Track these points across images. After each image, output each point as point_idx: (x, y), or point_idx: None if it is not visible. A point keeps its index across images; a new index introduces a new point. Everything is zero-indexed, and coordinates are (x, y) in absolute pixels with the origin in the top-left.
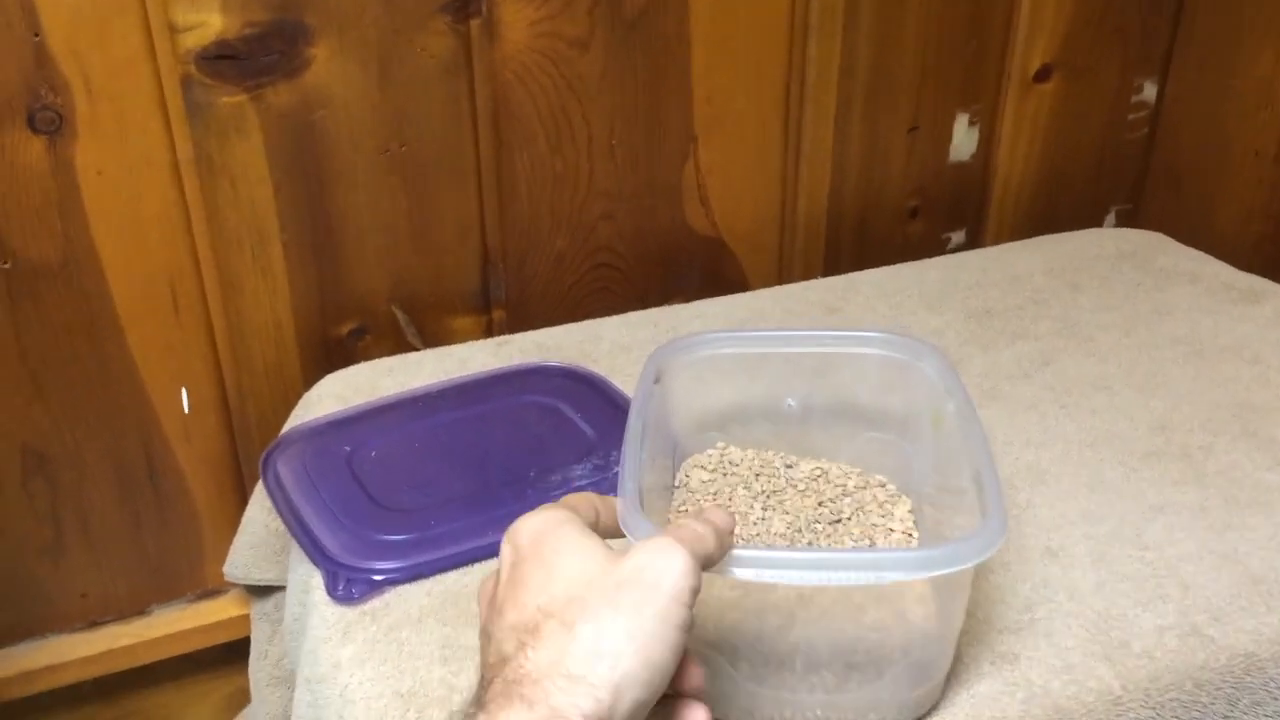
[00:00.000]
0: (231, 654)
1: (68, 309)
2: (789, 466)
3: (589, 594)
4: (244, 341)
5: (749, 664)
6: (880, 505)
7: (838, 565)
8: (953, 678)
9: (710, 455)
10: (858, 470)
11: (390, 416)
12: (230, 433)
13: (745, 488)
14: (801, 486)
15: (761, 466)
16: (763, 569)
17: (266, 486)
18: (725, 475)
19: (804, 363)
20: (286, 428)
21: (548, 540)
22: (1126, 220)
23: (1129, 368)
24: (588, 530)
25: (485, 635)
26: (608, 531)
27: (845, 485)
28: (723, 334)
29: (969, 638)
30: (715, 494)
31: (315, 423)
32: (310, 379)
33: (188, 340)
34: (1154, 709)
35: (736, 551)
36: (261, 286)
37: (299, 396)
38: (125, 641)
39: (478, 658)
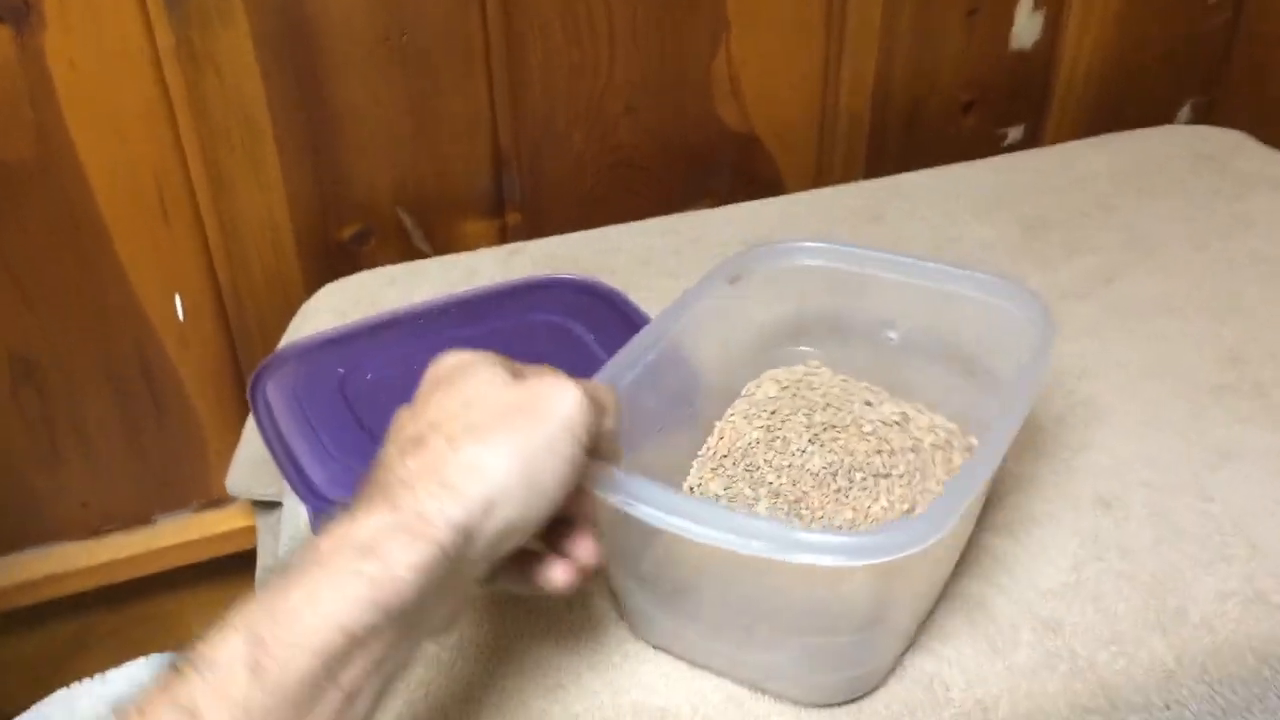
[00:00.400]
0: (240, 563)
1: (47, 209)
2: (868, 404)
3: (479, 414)
4: (239, 244)
5: (659, 593)
6: (951, 470)
7: (702, 519)
8: (988, 644)
9: (794, 371)
10: (950, 426)
11: (388, 335)
12: (230, 339)
13: (806, 415)
14: (869, 429)
15: (839, 397)
16: (629, 500)
17: (254, 411)
18: (794, 396)
19: (907, 294)
20: (281, 345)
21: (464, 369)
22: (1202, 116)
23: (1201, 287)
24: (506, 366)
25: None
26: (608, 436)
27: (921, 440)
28: (820, 244)
29: (1008, 598)
30: (773, 413)
31: (308, 341)
32: (312, 285)
33: (178, 243)
34: (1210, 685)
35: (622, 475)
36: (254, 186)
37: (301, 302)
38: (129, 551)
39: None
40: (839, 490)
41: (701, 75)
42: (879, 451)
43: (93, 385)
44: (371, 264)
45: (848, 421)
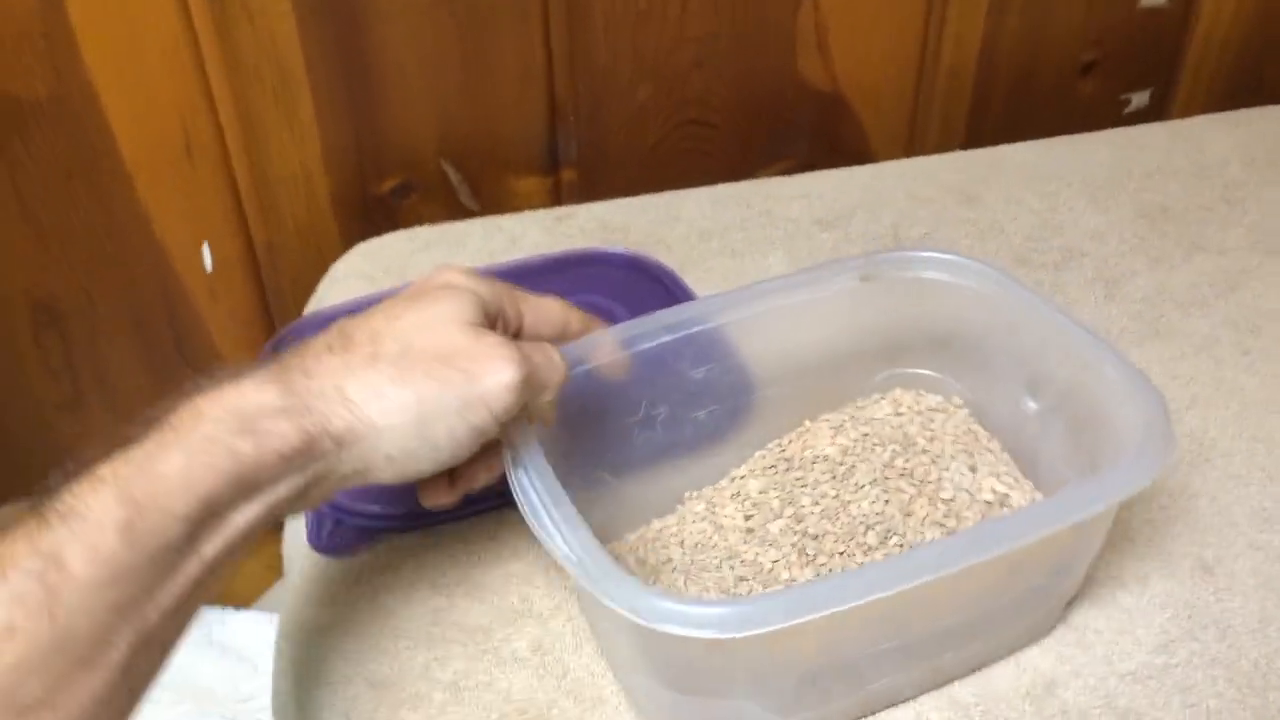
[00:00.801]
0: None
1: (65, 151)
2: (972, 469)
3: (416, 346)
4: (270, 194)
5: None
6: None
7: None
8: None
9: (926, 398)
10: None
11: None
12: (261, 292)
13: (898, 448)
14: (947, 494)
15: (950, 444)
16: (518, 486)
17: None
18: (904, 425)
19: (1052, 350)
20: (307, 311)
21: (440, 294)
22: None
23: None
24: (481, 308)
25: None
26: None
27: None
28: (969, 261)
29: (1081, 680)
30: (865, 435)
31: (331, 311)
32: (350, 239)
33: (205, 190)
34: None
35: (530, 464)
36: (287, 133)
37: (337, 258)
38: None
39: (465, 642)
40: (862, 546)
41: (784, 26)
42: (939, 525)
43: (116, 332)
44: (414, 220)
45: (932, 476)
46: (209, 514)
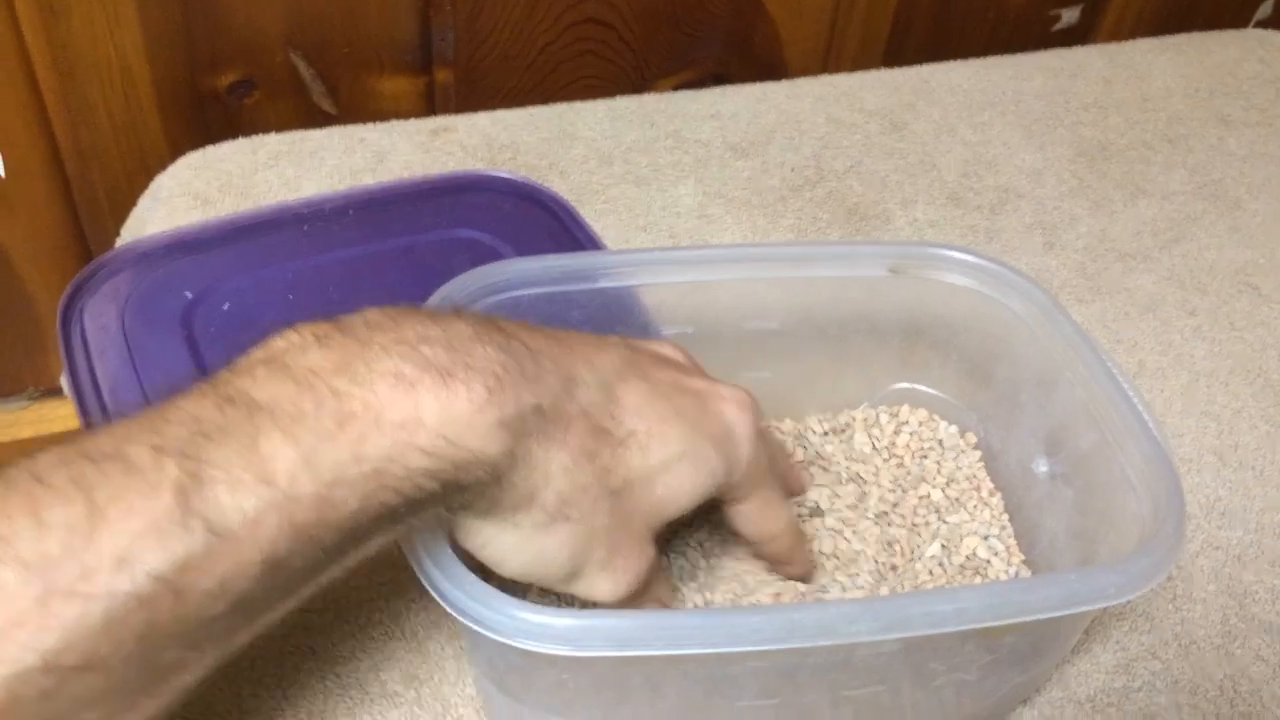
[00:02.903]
0: None
1: None
2: (979, 538)
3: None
4: (77, 86)
5: None
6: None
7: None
8: None
9: (934, 425)
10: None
11: (258, 244)
12: (70, 204)
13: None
14: (931, 551)
15: (947, 496)
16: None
17: (65, 348)
18: (905, 458)
19: (1075, 404)
20: (125, 235)
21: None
22: None
23: None
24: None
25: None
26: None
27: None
28: (995, 266)
29: (1033, 709)
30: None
31: (151, 243)
32: (179, 144)
33: None
34: None
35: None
36: (96, 10)
37: (164, 165)
38: None
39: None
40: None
41: None
42: (882, 574)
43: None
44: (257, 124)
45: (916, 521)
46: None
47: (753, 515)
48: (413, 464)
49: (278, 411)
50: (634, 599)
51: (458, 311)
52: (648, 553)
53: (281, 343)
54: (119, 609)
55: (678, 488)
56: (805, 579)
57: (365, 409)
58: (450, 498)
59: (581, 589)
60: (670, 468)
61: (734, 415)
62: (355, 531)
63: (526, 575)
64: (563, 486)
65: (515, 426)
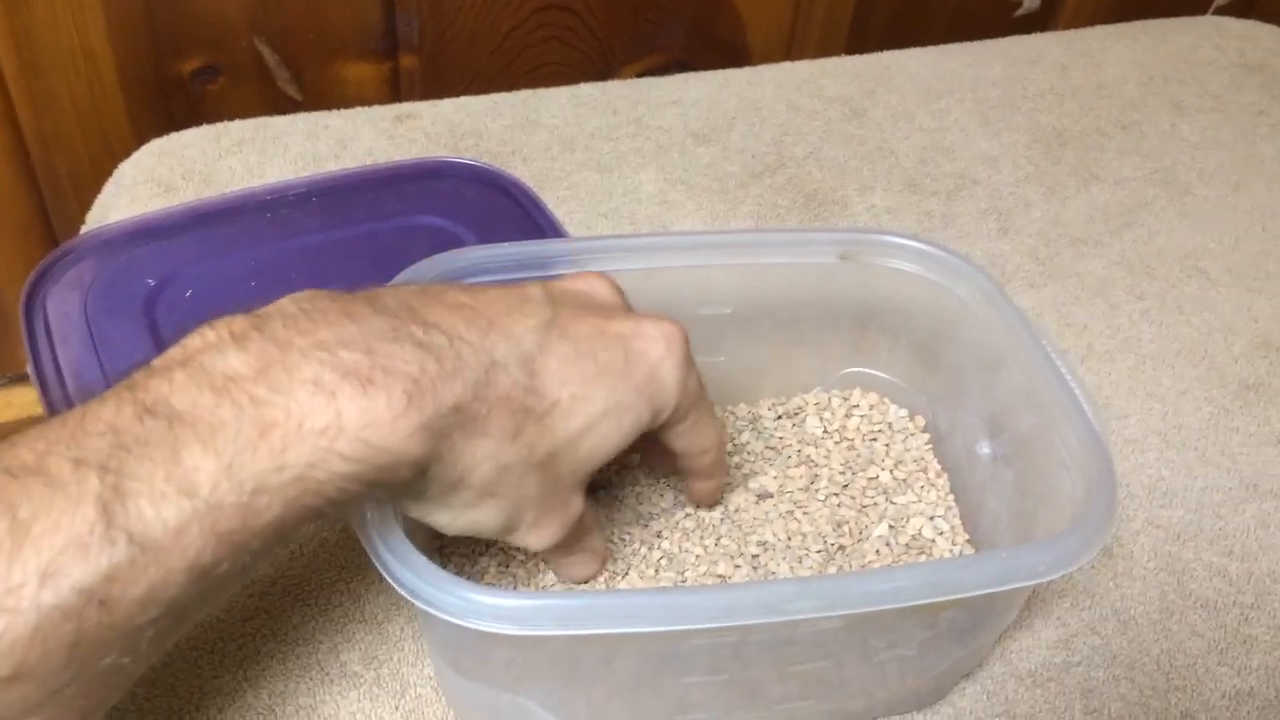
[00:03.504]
0: None
1: None
2: (920, 516)
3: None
4: (40, 72)
5: None
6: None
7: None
8: None
9: (886, 409)
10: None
11: (221, 231)
12: (34, 191)
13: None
14: (880, 531)
15: (894, 477)
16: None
17: (28, 335)
18: (853, 440)
19: (1021, 385)
20: (90, 223)
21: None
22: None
23: (1236, 244)
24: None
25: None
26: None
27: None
28: (946, 254)
29: (976, 684)
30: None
31: (114, 230)
32: (143, 130)
33: None
34: None
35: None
36: None
37: (128, 151)
38: None
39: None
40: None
41: None
42: (830, 552)
43: None
44: (222, 111)
45: (865, 502)
46: None
47: (685, 432)
48: (335, 469)
49: (198, 422)
50: (565, 545)
51: (378, 295)
52: (575, 504)
53: (198, 341)
54: (45, 622)
55: (603, 441)
56: (714, 503)
57: (286, 417)
58: (377, 493)
59: (515, 541)
60: (594, 427)
61: (658, 353)
62: (280, 533)
63: (466, 534)
64: (488, 470)
65: (436, 427)
